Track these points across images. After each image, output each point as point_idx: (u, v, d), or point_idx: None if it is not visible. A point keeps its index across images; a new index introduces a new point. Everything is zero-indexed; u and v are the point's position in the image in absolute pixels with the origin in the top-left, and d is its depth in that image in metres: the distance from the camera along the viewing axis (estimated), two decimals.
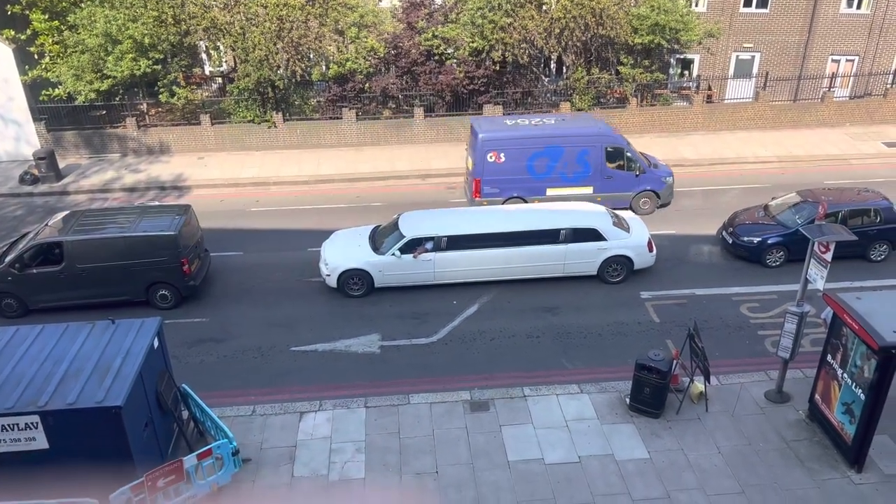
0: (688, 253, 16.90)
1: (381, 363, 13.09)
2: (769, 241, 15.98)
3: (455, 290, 15.27)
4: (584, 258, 15.22)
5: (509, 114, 23.51)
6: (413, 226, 15.27)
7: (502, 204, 18.00)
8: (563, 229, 15.03)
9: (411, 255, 14.88)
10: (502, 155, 17.73)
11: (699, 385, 11.66)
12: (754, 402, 11.66)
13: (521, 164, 17.84)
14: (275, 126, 23.70)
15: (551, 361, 13.06)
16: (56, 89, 22.73)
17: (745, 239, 16.17)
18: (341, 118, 23.89)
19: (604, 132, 18.11)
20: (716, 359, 12.75)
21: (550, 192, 18.05)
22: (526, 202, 18.13)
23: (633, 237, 15.43)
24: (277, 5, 22.22)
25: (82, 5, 23.05)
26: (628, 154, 18.11)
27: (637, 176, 18.22)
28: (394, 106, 24.99)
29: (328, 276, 15.09)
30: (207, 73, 28.06)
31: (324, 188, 21.27)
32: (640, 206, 18.45)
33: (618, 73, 24.57)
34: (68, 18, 22.92)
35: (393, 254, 14.90)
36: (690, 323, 12.15)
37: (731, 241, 16.48)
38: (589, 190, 18.05)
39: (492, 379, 12.54)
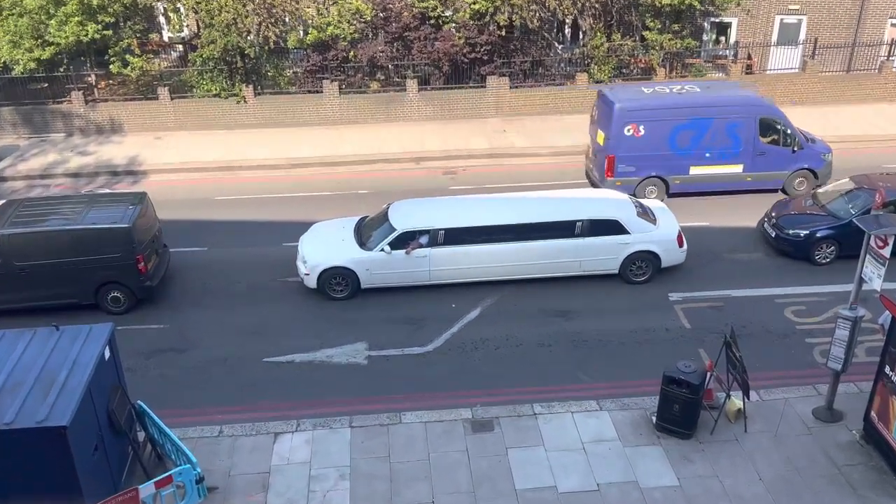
0: (724, 248, 16.92)
1: (368, 376, 13.10)
2: (818, 235, 16.01)
3: (454, 292, 15.28)
4: (603, 254, 15.23)
5: (534, 85, 23.56)
6: (405, 217, 15.27)
7: (638, 185, 18.09)
8: (580, 221, 15.04)
9: (403, 251, 14.89)
10: (641, 128, 17.79)
11: (737, 401, 11.69)
12: (801, 421, 11.68)
13: (661, 139, 17.92)
14: (244, 101, 23.67)
15: (565, 374, 13.07)
16: None
17: (791, 232, 16.21)
18: (321, 92, 23.88)
19: (757, 101, 18.02)
20: (756, 370, 12.76)
21: (694, 170, 18.08)
22: (666, 183, 18.23)
23: (661, 230, 15.46)
24: None
25: None
26: (784, 127, 17.99)
27: (793, 152, 18.06)
28: (383, 78, 24.98)
29: (307, 275, 15.09)
30: (166, 39, 28.01)
31: (301, 173, 21.28)
32: (794, 186, 18.33)
33: (643, 39, 24.55)
34: None
35: (382, 249, 14.91)
36: (727, 329, 12.16)
37: (773, 235, 16.52)
38: (738, 168, 18.01)
39: (496, 394, 12.55)
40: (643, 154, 18.02)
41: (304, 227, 16.62)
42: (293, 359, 13.53)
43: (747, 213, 18.13)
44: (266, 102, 23.78)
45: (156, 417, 10.82)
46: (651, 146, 17.95)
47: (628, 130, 17.81)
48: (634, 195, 17.89)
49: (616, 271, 15.49)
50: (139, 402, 11.02)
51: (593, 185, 18.90)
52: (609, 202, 15.72)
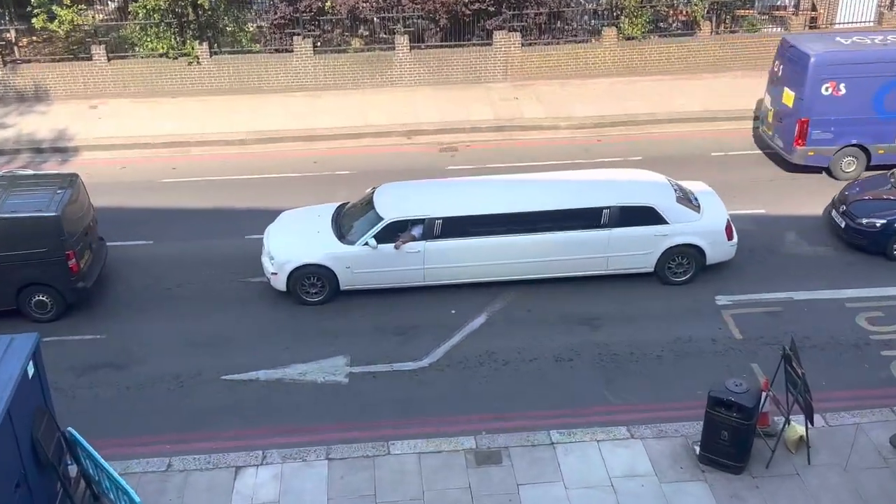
0: (783, 241, 16.92)
1: (349, 397, 13.08)
2: None
3: (454, 295, 15.27)
4: (636, 248, 15.22)
5: (550, 42, 23.71)
6: (394, 204, 15.25)
7: (835, 154, 18.10)
8: (607, 208, 15.02)
9: (392, 245, 14.88)
10: (842, 86, 17.79)
11: (798, 427, 11.69)
12: (876, 451, 11.68)
13: (866, 99, 17.91)
14: (198, 62, 23.63)
15: (590, 394, 13.06)
16: None
17: (865, 221, 16.22)
18: (292, 51, 23.85)
19: None
20: (822, 390, 12.76)
21: None
22: (867, 153, 18.22)
23: (706, 219, 15.45)
24: None
25: None
26: None
27: None
28: (367, 33, 24.92)
29: (274, 274, 15.09)
30: None
31: (268, 150, 21.24)
32: None
33: None
34: None
35: (366, 243, 14.90)
36: (786, 340, 12.15)
37: (843, 225, 16.53)
38: None
39: (506, 419, 12.53)
40: (843, 117, 18.03)
41: (271, 216, 16.58)
42: (257, 376, 13.52)
43: (812, 198, 18.12)
44: (224, 64, 23.73)
45: (90, 448, 10.80)
46: (852, 108, 17.96)
47: (826, 89, 17.83)
48: (829, 169, 17.86)
49: (651, 269, 15.48)
50: (70, 429, 11.00)
51: (773, 153, 18.73)
52: (643, 185, 15.70)
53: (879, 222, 16.09)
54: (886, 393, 12.87)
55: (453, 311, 14.95)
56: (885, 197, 16.59)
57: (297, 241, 15.28)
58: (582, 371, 13.53)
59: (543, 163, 19.78)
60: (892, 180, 16.84)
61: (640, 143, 21.07)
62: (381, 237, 14.89)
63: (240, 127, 21.95)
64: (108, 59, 23.54)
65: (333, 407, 12.88)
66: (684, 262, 15.44)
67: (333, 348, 14.10)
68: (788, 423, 11.67)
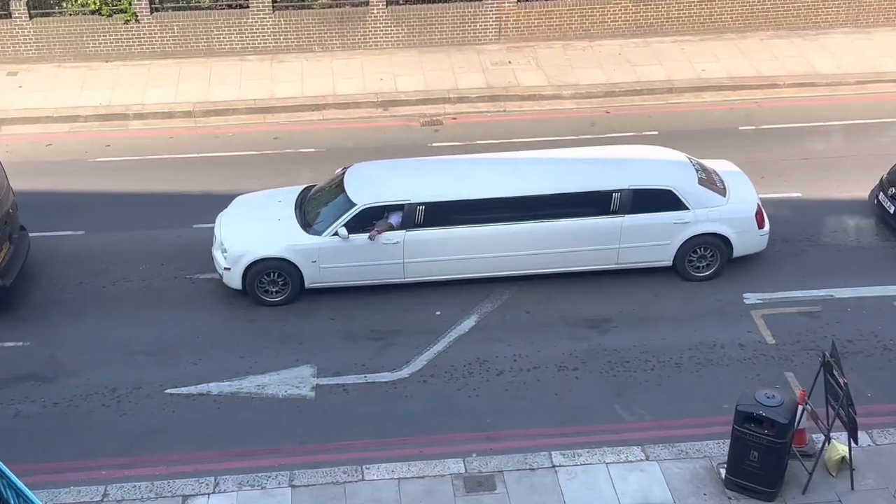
0: (821, 230, 17.02)
1: (316, 414, 13.07)
2: None
3: (439, 294, 15.28)
4: (651, 238, 15.27)
5: None
6: (369, 187, 15.24)
7: None
8: (618, 191, 15.05)
9: (366, 235, 14.87)
10: None
11: (840, 447, 11.75)
12: None
13: None
14: (136, 20, 23.45)
15: (598, 409, 13.10)
16: None
17: None
18: (247, 7, 23.69)
19: None
20: (868, 403, 12.84)
21: None
22: None
23: (733, 203, 15.50)
24: None
25: None
26: None
27: None
28: None
29: (227, 269, 15.05)
30: None
31: (219, 124, 21.16)
32: None
33: None
34: None
35: (336, 233, 14.88)
36: (826, 345, 12.22)
37: (893, 210, 16.64)
38: None
39: (499, 438, 12.56)
40: None
41: (223, 201, 16.53)
42: (208, 390, 13.50)
43: (856, 179, 18.21)
44: (167, 22, 23.56)
45: (10, 474, 10.73)
46: None
47: None
48: None
49: (669, 263, 15.54)
50: None
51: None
52: (660, 164, 15.74)
53: None
54: None
55: (438, 313, 14.96)
56: None
57: (254, 230, 15.25)
58: (588, 382, 13.57)
59: (543, 139, 19.76)
60: None
61: (656, 116, 21.11)
62: (354, 226, 14.86)
63: (186, 97, 21.81)
64: (30, 17, 23.30)
65: (298, 425, 12.86)
66: (708, 254, 15.49)
67: (298, 357, 14.08)
68: (829, 442, 11.73)
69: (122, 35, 23.47)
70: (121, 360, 14.08)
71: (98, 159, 19.68)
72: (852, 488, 11.54)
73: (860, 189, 17.84)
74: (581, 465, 11.87)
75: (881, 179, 17.29)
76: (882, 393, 13.23)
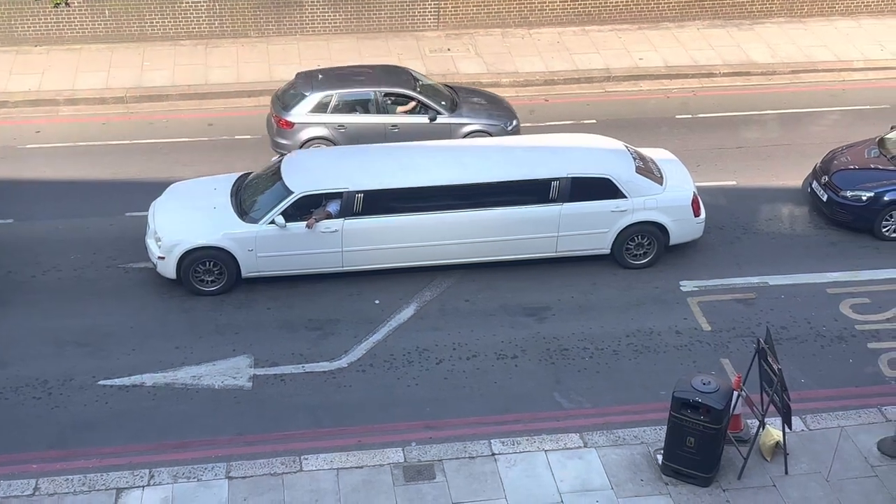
0: (756, 218, 17.29)
1: (254, 404, 13.02)
2: (886, 198, 16.42)
3: (378, 283, 15.29)
4: (589, 227, 15.40)
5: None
6: (306, 174, 15.19)
7: None
8: (556, 179, 15.15)
9: (303, 223, 14.80)
10: None
11: (774, 432, 11.96)
12: (861, 458, 12.00)
13: None
14: (66, 3, 23.03)
15: (537, 397, 13.18)
16: None
17: (850, 194, 16.59)
18: None
19: None
20: (801, 388, 13.09)
21: None
22: None
23: (670, 192, 15.68)
24: None
25: None
26: None
27: None
28: None
29: (161, 259, 14.89)
30: None
31: (153, 110, 20.92)
32: None
33: None
34: None
35: (272, 221, 14.79)
36: (761, 332, 12.39)
37: (825, 198, 16.89)
38: None
39: (439, 427, 12.60)
40: None
41: (157, 189, 16.36)
42: (142, 381, 13.38)
43: (790, 168, 18.54)
44: (99, 5, 23.16)
45: None
46: None
47: None
48: None
49: (607, 251, 15.68)
50: None
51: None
52: (597, 153, 15.88)
53: (866, 195, 16.45)
54: (874, 391, 13.25)
55: (377, 302, 14.95)
56: (872, 166, 16.96)
57: (188, 218, 15.11)
58: (527, 370, 13.66)
59: None
60: (877, 149, 17.18)
61: (594, 104, 21.30)
62: (291, 214, 14.80)
63: (119, 82, 21.55)
64: None
65: (234, 416, 12.78)
66: (645, 242, 15.67)
67: (234, 347, 14.00)
68: (763, 427, 11.92)
69: (52, 19, 23.05)
70: (52, 352, 13.87)
71: (28, 146, 19.36)
72: (786, 472, 11.75)
73: (794, 177, 18.17)
74: (520, 452, 11.94)
75: (814, 168, 17.57)
76: (815, 379, 13.50)
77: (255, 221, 14.86)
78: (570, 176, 15.17)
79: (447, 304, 14.98)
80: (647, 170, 15.82)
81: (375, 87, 18.50)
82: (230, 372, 13.53)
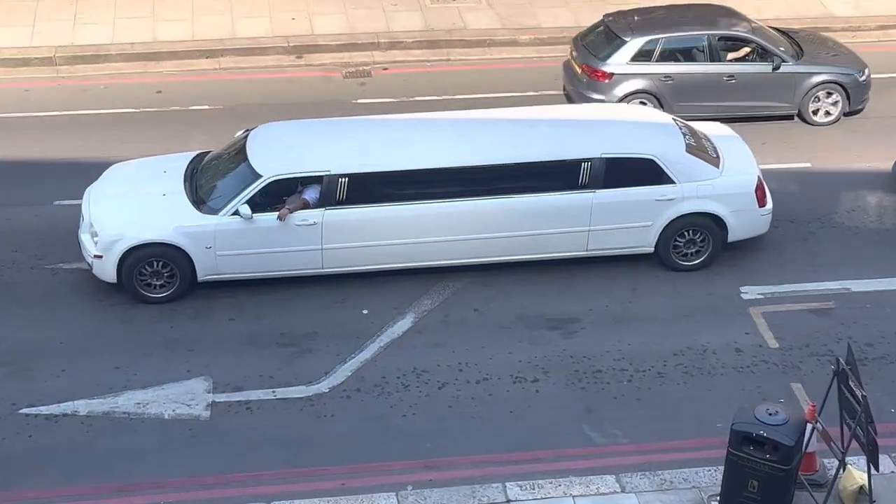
0: (836, 208, 17.28)
1: (212, 439, 13.01)
2: None
3: (366, 289, 15.32)
4: (628, 219, 15.40)
5: None
6: (278, 154, 15.22)
7: None
8: (588, 160, 15.15)
9: (275, 214, 14.84)
10: None
11: (857, 474, 11.93)
12: None
13: None
14: None
15: (563, 430, 13.16)
16: None
17: None
18: None
19: None
20: (891, 420, 13.05)
21: None
22: None
23: (729, 176, 15.68)
24: None
25: None
26: None
27: None
28: None
29: (98, 258, 14.92)
30: None
31: (88, 73, 21.02)
32: None
33: None
34: None
35: (236, 212, 14.82)
36: (841, 350, 12.38)
37: None
38: None
39: (442, 468, 12.60)
40: None
41: (94, 171, 16.41)
42: (75, 409, 13.36)
43: (877, 147, 18.52)
44: None
45: None
46: None
47: None
48: None
49: (650, 249, 15.70)
50: None
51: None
52: (639, 127, 15.89)
53: None
54: None
55: (365, 312, 14.96)
56: None
57: (132, 208, 15.14)
58: (551, 396, 13.63)
59: (495, 94, 19.86)
60: None
61: None
62: (259, 203, 14.82)
63: (46, 39, 21.61)
64: None
65: (188, 453, 12.76)
66: (697, 238, 15.67)
67: (188, 367, 14.00)
68: (844, 468, 11.90)
69: None
70: None
71: None
72: None
73: (884, 158, 18.17)
74: (542, 499, 11.92)
75: None
76: None
77: (214, 212, 14.88)
78: (604, 156, 15.17)
79: (451, 314, 14.98)
80: (701, 148, 15.82)
81: (708, 30, 18.87)
82: (183, 398, 13.52)
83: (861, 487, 11.86)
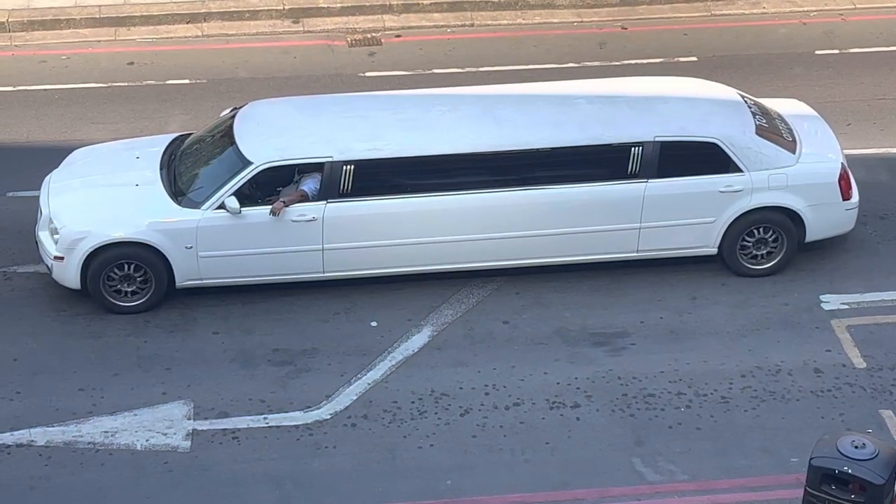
0: None
1: (193, 473, 13.05)
2: None
3: (376, 296, 15.40)
4: (687, 214, 15.42)
5: None
6: (270, 137, 15.29)
7: None
8: (638, 145, 15.16)
9: (267, 208, 14.87)
10: None
11: None
12: None
13: None
14: None
15: (609, 464, 13.17)
16: None
17: None
18: None
19: None
20: None
21: None
22: None
23: (807, 163, 15.67)
24: None
25: None
26: None
27: None
28: None
29: (59, 259, 14.98)
30: None
31: (48, 42, 21.18)
32: None
33: None
34: None
35: (222, 205, 14.85)
36: None
37: None
38: None
39: None
40: None
41: (54, 156, 16.53)
42: (31, 438, 13.43)
43: None
44: None
45: None
46: None
47: None
48: None
49: (713, 250, 15.72)
50: None
51: None
52: (700, 106, 15.88)
53: None
54: None
55: (374, 324, 15.02)
56: None
57: (98, 201, 15.24)
58: (595, 424, 13.64)
59: (527, 66, 19.91)
60: None
61: (694, 35, 21.40)
62: (249, 195, 14.91)
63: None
64: None
65: (164, 490, 12.80)
66: (769, 237, 15.66)
67: (164, 389, 14.06)
68: None
69: None
70: None
71: None
72: None
73: None
74: None
75: None
76: None
77: (195, 205, 14.93)
78: (658, 139, 15.18)
79: (476, 327, 15.00)
80: (774, 130, 15.80)
81: None
82: (159, 425, 13.56)
83: None
